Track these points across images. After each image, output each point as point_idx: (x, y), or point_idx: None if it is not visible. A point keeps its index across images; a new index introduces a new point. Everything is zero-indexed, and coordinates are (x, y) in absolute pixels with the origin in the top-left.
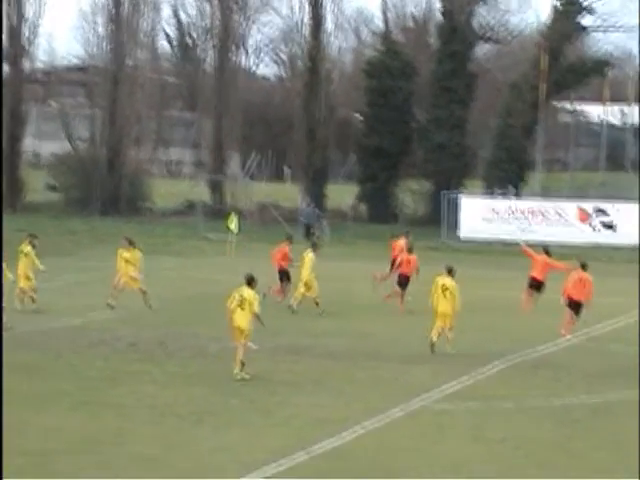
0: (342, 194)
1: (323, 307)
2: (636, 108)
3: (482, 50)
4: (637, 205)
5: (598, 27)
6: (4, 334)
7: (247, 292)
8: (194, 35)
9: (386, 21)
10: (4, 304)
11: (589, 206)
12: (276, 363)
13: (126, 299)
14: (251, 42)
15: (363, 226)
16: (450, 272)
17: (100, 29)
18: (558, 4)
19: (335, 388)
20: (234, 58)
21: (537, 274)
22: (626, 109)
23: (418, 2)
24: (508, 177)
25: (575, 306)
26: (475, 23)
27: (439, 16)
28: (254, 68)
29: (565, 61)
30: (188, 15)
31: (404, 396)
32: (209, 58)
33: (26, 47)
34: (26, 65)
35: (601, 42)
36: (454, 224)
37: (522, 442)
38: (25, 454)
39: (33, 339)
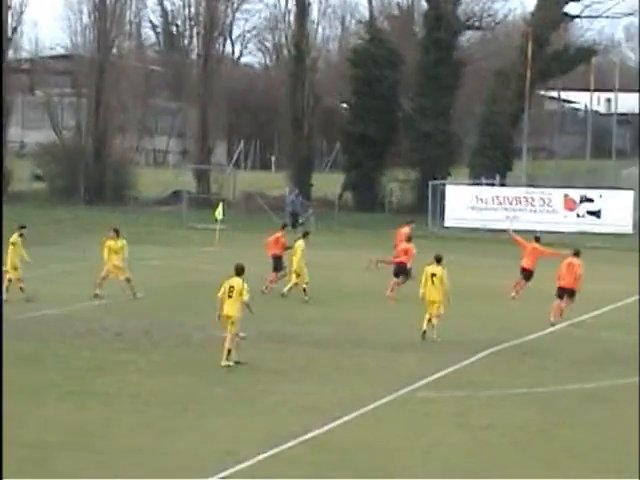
0: (328, 183)
1: (310, 295)
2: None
3: (467, 38)
4: (623, 192)
5: (583, 14)
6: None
7: (236, 281)
8: (179, 24)
9: (371, 9)
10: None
11: (575, 194)
12: (261, 351)
13: (112, 289)
14: (236, 31)
15: (349, 214)
16: (439, 261)
17: (85, 18)
18: None
19: (321, 376)
20: (219, 47)
21: (526, 263)
22: (611, 96)
23: None
24: (494, 165)
25: (566, 293)
26: (460, 11)
27: (424, 4)
28: (239, 57)
29: (550, 49)
30: (173, 3)
31: (390, 384)
32: (194, 47)
33: (10, 36)
34: (11, 54)
35: (586, 30)
36: (440, 212)
37: (508, 429)
38: (21, 446)
39: (19, 328)
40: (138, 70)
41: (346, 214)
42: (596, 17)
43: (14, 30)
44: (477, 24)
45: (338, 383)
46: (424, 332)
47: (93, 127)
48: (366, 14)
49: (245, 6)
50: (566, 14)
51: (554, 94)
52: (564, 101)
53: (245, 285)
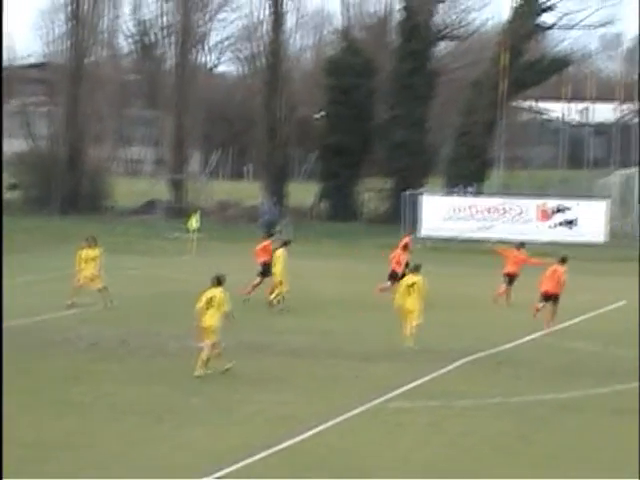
0: (303, 192)
1: (286, 304)
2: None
3: (442, 48)
4: (596, 202)
5: (558, 25)
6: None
7: (217, 291)
8: (155, 33)
9: (347, 19)
10: None
11: (549, 203)
12: (238, 360)
13: (87, 298)
14: (212, 40)
15: (324, 224)
16: (417, 269)
17: (60, 27)
18: (517, 2)
19: (297, 386)
20: (195, 56)
21: (511, 269)
22: (585, 106)
23: (378, 0)
24: (469, 175)
25: (550, 298)
26: (435, 21)
27: (399, 14)
28: (215, 66)
29: (525, 59)
30: (149, 13)
31: (365, 393)
32: (170, 56)
33: None
34: None
35: (561, 40)
36: (415, 222)
37: (481, 439)
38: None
39: None
40: (113, 79)
41: (321, 223)
42: (571, 28)
43: None
44: (452, 34)
45: (314, 393)
46: (407, 341)
47: (68, 136)
48: (341, 24)
49: (221, 15)
50: (540, 24)
51: (529, 104)
52: (538, 111)
53: (226, 295)
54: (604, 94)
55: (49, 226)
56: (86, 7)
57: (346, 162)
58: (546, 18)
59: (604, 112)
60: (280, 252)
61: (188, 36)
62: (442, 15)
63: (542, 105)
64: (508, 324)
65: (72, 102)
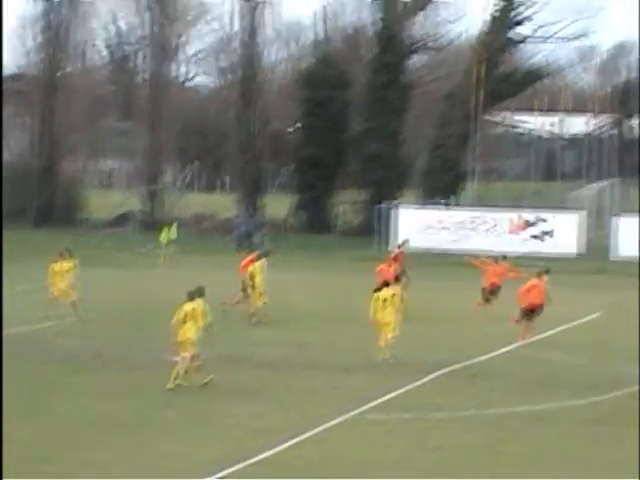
0: (278, 204)
1: (262, 316)
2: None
3: (417, 61)
4: (569, 215)
5: (532, 37)
6: None
7: (198, 304)
8: (130, 45)
9: (321, 31)
10: None
11: (524, 216)
12: (214, 373)
13: (61, 310)
14: (187, 52)
15: (299, 236)
16: (396, 281)
17: (35, 38)
18: (492, 15)
19: (273, 398)
20: (170, 68)
21: (489, 282)
22: (559, 119)
23: (353, 13)
24: (443, 187)
25: (528, 311)
26: (410, 34)
27: (374, 26)
28: (190, 78)
29: (499, 72)
30: (124, 24)
31: (342, 405)
32: (144, 68)
33: None
34: None
35: (535, 52)
36: (389, 234)
37: (456, 451)
38: None
39: None
40: (88, 91)
41: (296, 235)
42: (545, 40)
43: None
44: (426, 47)
45: (290, 405)
46: (384, 353)
47: (43, 148)
48: (316, 36)
49: (195, 28)
50: (514, 37)
51: (502, 116)
52: (512, 124)
53: (207, 307)
54: (578, 106)
55: (23, 238)
56: (62, 18)
57: (320, 174)
58: (520, 30)
59: (578, 124)
60: (259, 263)
61: (163, 48)
62: (417, 27)
63: (516, 117)
64: (483, 336)
65: (46, 113)
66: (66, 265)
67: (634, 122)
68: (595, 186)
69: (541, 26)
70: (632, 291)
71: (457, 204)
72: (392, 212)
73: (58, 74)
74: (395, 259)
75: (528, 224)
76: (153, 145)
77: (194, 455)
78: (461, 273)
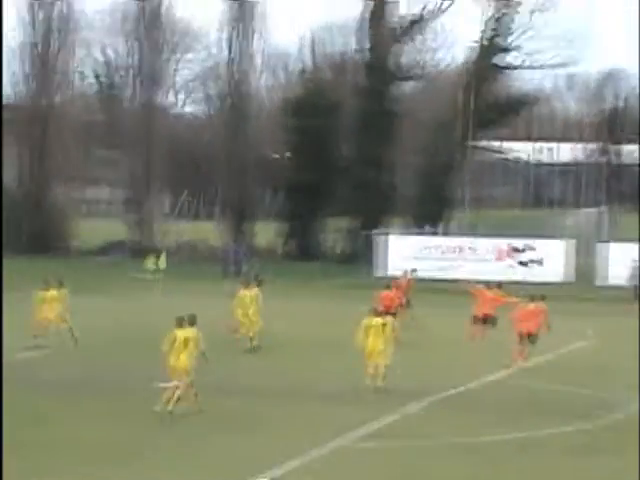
0: (267, 232)
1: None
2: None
3: (405, 88)
4: (559, 242)
5: (521, 65)
6: None
7: (191, 332)
8: (119, 74)
9: (309, 59)
10: None
11: (512, 243)
12: (202, 402)
13: (50, 338)
14: (177, 80)
15: (288, 263)
16: (376, 311)
17: (23, 67)
18: (480, 42)
19: (257, 426)
20: (158, 96)
21: (487, 310)
22: (549, 146)
23: (341, 41)
24: (431, 215)
25: (528, 337)
26: (397, 61)
27: (363, 55)
28: (179, 106)
29: (486, 99)
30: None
31: (330, 434)
32: (133, 97)
33: None
34: None
35: (523, 80)
36: (378, 262)
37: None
38: None
39: None
40: (79, 119)
41: (283, 263)
42: (533, 68)
43: None
44: (415, 74)
45: (277, 433)
46: (371, 383)
47: (34, 176)
48: (305, 64)
49: (185, 55)
50: (501, 65)
51: (490, 144)
52: (500, 151)
53: (200, 334)
54: (565, 134)
55: (14, 266)
56: (52, 47)
57: (309, 201)
58: (508, 58)
59: (566, 152)
60: (255, 292)
61: (151, 77)
62: (404, 55)
63: (505, 145)
64: (471, 364)
65: (37, 142)
66: (58, 293)
67: (624, 149)
68: (583, 213)
69: (529, 54)
70: (620, 317)
71: (445, 232)
72: (381, 239)
73: (47, 103)
74: (398, 286)
75: (515, 251)
76: (144, 173)
77: None
78: (449, 300)
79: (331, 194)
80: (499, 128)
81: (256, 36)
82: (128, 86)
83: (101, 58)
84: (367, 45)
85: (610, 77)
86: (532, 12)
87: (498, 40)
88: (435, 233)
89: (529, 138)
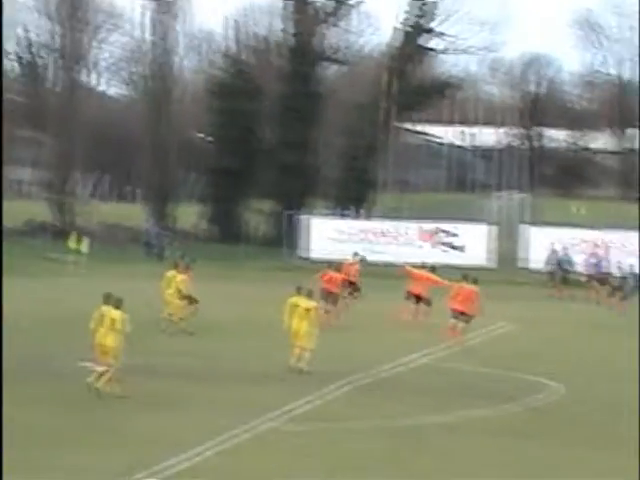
0: (188, 214)
1: (169, 327)
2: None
3: (329, 70)
4: (482, 226)
5: (442, 49)
6: None
7: (114, 312)
8: (41, 54)
9: (233, 41)
10: None
11: (433, 226)
12: (126, 383)
13: None
14: (99, 61)
15: (209, 246)
16: (307, 294)
17: None
18: (403, 27)
19: (181, 408)
20: (82, 77)
21: (420, 290)
22: (470, 130)
23: (264, 22)
24: (353, 197)
25: (461, 316)
26: (322, 44)
27: (286, 37)
28: (102, 87)
29: (409, 82)
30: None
31: (250, 416)
32: (56, 77)
33: None
34: None
35: (446, 64)
36: (301, 244)
37: (362, 462)
38: None
39: None
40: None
41: (206, 245)
42: (455, 52)
43: None
44: (338, 57)
45: (199, 415)
46: (295, 364)
47: None
48: (228, 46)
49: (107, 37)
50: (425, 48)
51: (413, 127)
52: (423, 134)
53: (126, 316)
54: (488, 118)
55: None
56: None
57: (232, 184)
58: (431, 42)
59: (488, 136)
60: (183, 277)
61: (73, 58)
62: (328, 37)
63: (427, 128)
64: (393, 346)
65: None
66: None
67: (546, 133)
68: (505, 197)
69: (452, 38)
70: (542, 301)
71: (368, 214)
72: (304, 222)
73: None
74: (347, 270)
75: (438, 235)
76: (64, 154)
77: (100, 466)
78: (373, 283)
79: (254, 176)
80: (424, 111)
81: (179, 17)
82: (51, 66)
83: (23, 39)
84: (291, 26)
85: (532, 62)
86: None
87: (422, 24)
88: (358, 216)
89: (453, 122)
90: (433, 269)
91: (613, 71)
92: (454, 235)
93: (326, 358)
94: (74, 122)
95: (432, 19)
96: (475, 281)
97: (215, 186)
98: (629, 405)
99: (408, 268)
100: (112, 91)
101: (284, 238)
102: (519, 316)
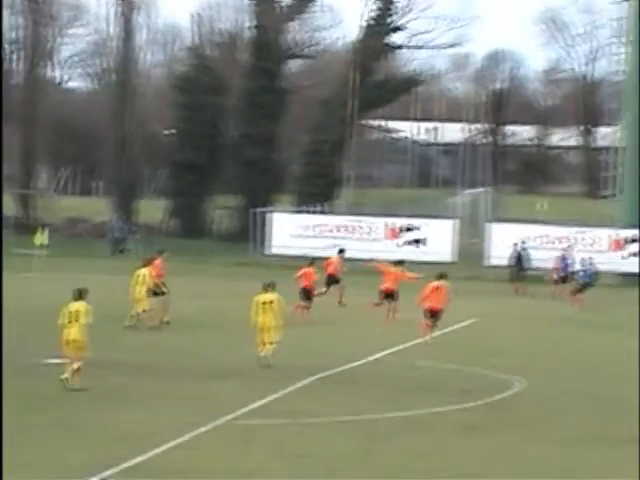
0: (152, 209)
1: (134, 322)
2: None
3: (293, 66)
4: (445, 221)
5: (407, 45)
6: None
7: (78, 305)
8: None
9: (198, 36)
10: None
11: (398, 222)
12: (84, 378)
13: None
14: (62, 55)
15: (173, 241)
16: (270, 288)
17: None
18: (368, 22)
19: (143, 403)
20: (44, 70)
21: (389, 285)
22: (434, 126)
23: (229, 18)
24: (318, 193)
25: (434, 313)
26: (286, 39)
27: (251, 31)
28: (65, 81)
29: (374, 78)
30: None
31: (213, 412)
32: (18, 70)
33: None
34: None
35: (410, 60)
36: (264, 240)
37: (326, 457)
38: None
39: None
40: None
41: (170, 240)
42: (420, 48)
43: None
44: (302, 52)
45: (161, 411)
46: (263, 359)
47: None
48: (192, 41)
49: (71, 30)
50: (390, 44)
51: (378, 123)
52: (388, 130)
53: (88, 307)
54: (452, 114)
55: None
56: None
57: (196, 179)
58: (396, 38)
59: (452, 132)
60: (144, 271)
61: (37, 50)
62: (293, 33)
63: (392, 124)
64: (354, 342)
65: None
66: None
67: (509, 129)
68: (468, 193)
69: (417, 34)
70: (503, 297)
71: (331, 210)
72: (267, 218)
73: None
74: (329, 265)
75: (402, 231)
76: (26, 148)
77: (60, 462)
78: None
79: (218, 172)
80: (388, 107)
81: (144, 12)
82: (12, 59)
83: None
84: (256, 22)
85: (497, 58)
86: None
87: (387, 20)
88: (321, 212)
89: (417, 117)
90: (401, 263)
91: (578, 68)
92: (417, 230)
93: (289, 353)
94: (36, 115)
95: (397, 15)
96: (445, 276)
97: (179, 181)
98: (593, 400)
99: (378, 264)
100: (76, 85)
101: (250, 234)
102: (483, 311)
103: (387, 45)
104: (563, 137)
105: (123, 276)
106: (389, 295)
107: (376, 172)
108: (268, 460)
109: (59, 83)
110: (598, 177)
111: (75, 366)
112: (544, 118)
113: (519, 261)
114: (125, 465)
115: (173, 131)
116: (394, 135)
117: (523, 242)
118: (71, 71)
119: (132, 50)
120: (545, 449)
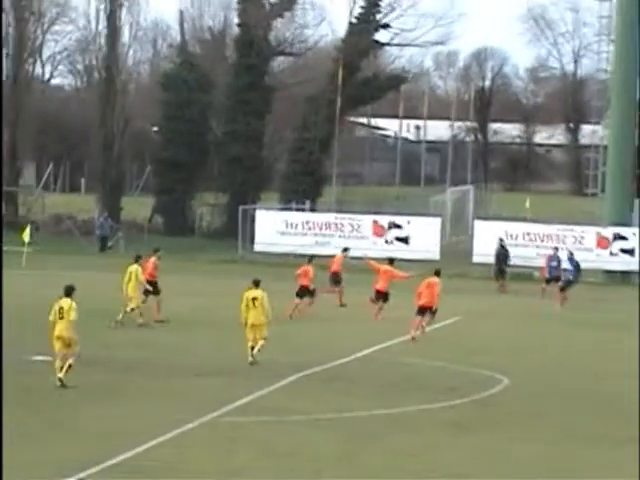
0: (138, 206)
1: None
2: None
3: (279, 63)
4: (430, 219)
5: (393, 42)
6: None
7: (66, 302)
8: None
9: (183, 33)
10: None
11: (384, 220)
12: (71, 375)
13: None
14: (47, 52)
15: (159, 238)
16: (257, 284)
17: None
18: (354, 19)
19: (130, 400)
20: (29, 68)
21: (380, 285)
22: (420, 124)
23: (215, 15)
24: (304, 190)
25: (426, 310)
26: (272, 36)
27: (236, 29)
28: (50, 78)
29: (360, 76)
30: None
31: (200, 408)
32: (3, 67)
33: None
34: None
35: (396, 57)
36: (250, 237)
37: (312, 455)
38: None
39: None
40: None
41: (156, 238)
42: (406, 45)
43: None
44: (288, 50)
45: (147, 407)
46: (252, 357)
47: None
48: (177, 38)
49: (56, 27)
50: (376, 41)
51: (364, 121)
52: (374, 128)
53: (74, 304)
54: (438, 112)
55: None
56: None
57: (181, 176)
58: (382, 35)
59: (438, 130)
60: (134, 268)
61: (22, 47)
62: (279, 30)
63: (378, 122)
64: (340, 339)
65: None
66: None
67: (493, 127)
68: (455, 191)
69: (403, 31)
70: (486, 295)
71: (316, 207)
72: (252, 215)
73: None
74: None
75: (385, 228)
76: (11, 144)
77: (45, 459)
78: (323, 276)
79: (204, 169)
80: (374, 104)
81: (130, 9)
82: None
83: None
84: (242, 19)
85: (484, 56)
86: None
87: (369, 17)
88: (305, 209)
89: (402, 115)
90: (391, 261)
91: (565, 66)
92: (401, 228)
93: (274, 351)
94: (23, 113)
95: (383, 12)
96: (438, 273)
97: (165, 178)
98: (577, 398)
99: (371, 262)
100: (62, 82)
101: (239, 231)
102: (468, 308)
103: (373, 43)
104: (549, 135)
105: (108, 273)
106: (380, 296)
107: (362, 169)
108: (254, 459)
109: (45, 80)
110: (583, 175)
111: (68, 363)
112: (530, 116)
113: (498, 259)
114: (110, 462)
115: (153, 128)
116: (380, 133)
117: (501, 240)
118: (56, 68)
119: (118, 47)
120: (531, 448)
